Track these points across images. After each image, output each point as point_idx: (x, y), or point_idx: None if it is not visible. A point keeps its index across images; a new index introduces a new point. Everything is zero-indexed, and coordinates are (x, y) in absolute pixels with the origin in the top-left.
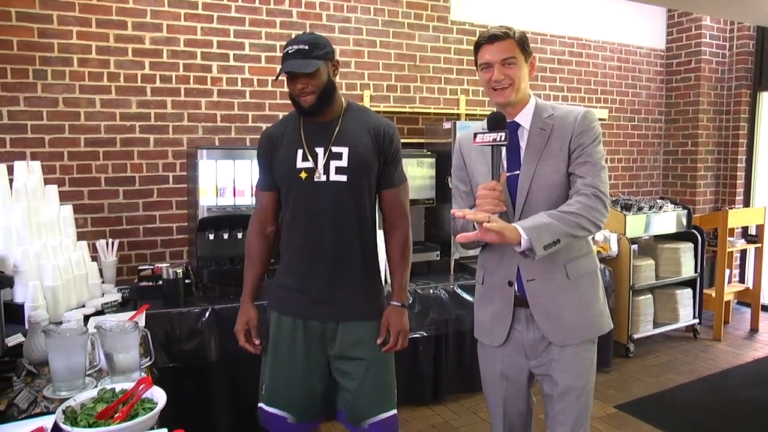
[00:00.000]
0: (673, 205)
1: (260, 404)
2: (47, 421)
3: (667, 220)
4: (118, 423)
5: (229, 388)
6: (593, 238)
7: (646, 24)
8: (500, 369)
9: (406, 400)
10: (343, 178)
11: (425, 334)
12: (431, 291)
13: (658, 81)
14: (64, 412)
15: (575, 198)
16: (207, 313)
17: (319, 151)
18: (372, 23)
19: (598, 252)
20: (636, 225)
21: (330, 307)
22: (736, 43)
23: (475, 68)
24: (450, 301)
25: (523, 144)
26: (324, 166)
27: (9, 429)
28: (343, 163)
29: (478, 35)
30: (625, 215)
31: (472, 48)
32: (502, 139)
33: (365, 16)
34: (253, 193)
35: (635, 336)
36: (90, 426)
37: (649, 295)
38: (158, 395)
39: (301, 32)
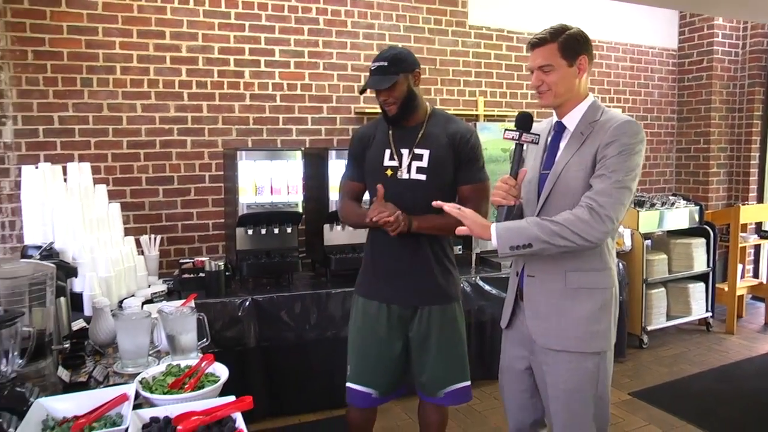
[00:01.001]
0: (685, 202)
1: (347, 384)
2: (129, 389)
3: (680, 216)
4: (189, 392)
5: (265, 373)
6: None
7: (658, 24)
8: (507, 357)
9: None
10: (422, 177)
11: None
12: None
13: (671, 80)
14: (140, 382)
15: (573, 209)
16: (247, 303)
17: (404, 152)
18: (394, 29)
19: None
20: (649, 221)
21: (409, 293)
22: (749, 42)
23: (492, 71)
24: (472, 293)
25: (562, 146)
26: (407, 165)
27: (98, 394)
28: (423, 163)
29: (494, 39)
30: (638, 211)
31: (489, 51)
32: (518, 137)
33: (388, 23)
34: (339, 185)
35: (648, 328)
36: (165, 393)
37: (662, 289)
38: (220, 370)
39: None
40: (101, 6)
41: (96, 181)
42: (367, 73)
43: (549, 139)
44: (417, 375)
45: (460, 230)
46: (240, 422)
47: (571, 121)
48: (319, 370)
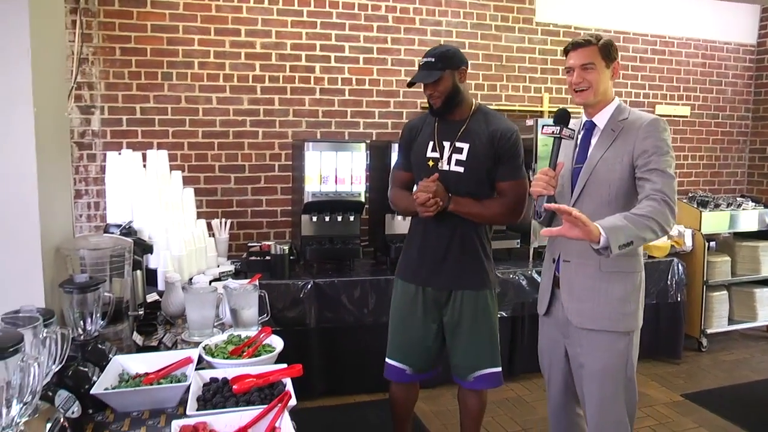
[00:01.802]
0: (753, 203)
1: (386, 358)
2: (193, 353)
3: (749, 218)
4: (247, 358)
5: (324, 353)
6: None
7: (736, 18)
8: (546, 340)
9: None
10: (461, 169)
11: (504, 314)
12: (510, 275)
13: (746, 77)
14: (204, 348)
15: (645, 202)
16: (308, 286)
17: (446, 144)
18: (461, 26)
19: (672, 246)
20: (712, 221)
21: (443, 277)
22: None
23: (557, 67)
24: (528, 285)
25: (594, 142)
26: (448, 157)
27: (166, 356)
28: (462, 156)
29: (561, 35)
30: (700, 211)
31: (556, 48)
32: (557, 132)
33: (455, 20)
34: (390, 174)
35: (708, 331)
36: (225, 359)
37: (724, 292)
38: (276, 341)
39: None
40: (182, 6)
41: (173, 168)
42: None
43: (579, 136)
44: (450, 358)
45: (549, 231)
46: (289, 387)
47: (601, 119)
48: (375, 353)
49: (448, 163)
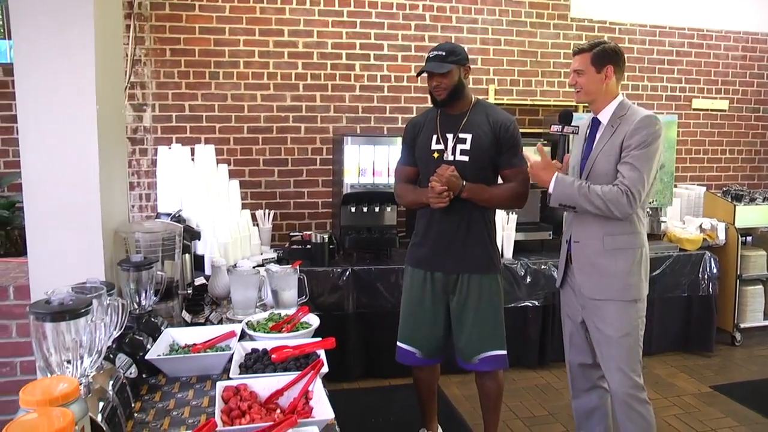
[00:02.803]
0: None
1: (397, 342)
2: (236, 327)
3: None
4: (286, 333)
5: (362, 336)
6: (701, 226)
7: None
8: (566, 310)
9: (514, 362)
10: (465, 158)
11: (536, 303)
12: (542, 266)
13: None
14: (246, 323)
15: (611, 185)
16: (347, 273)
17: (449, 136)
18: (497, 23)
19: (704, 239)
20: (749, 216)
21: (451, 261)
22: None
23: None
24: None
25: (597, 136)
26: (452, 148)
27: (212, 329)
28: (466, 146)
29: (596, 31)
30: (735, 205)
31: None
32: (560, 130)
33: (491, 17)
34: (394, 170)
35: (742, 325)
36: (266, 333)
37: (760, 286)
38: (313, 319)
39: (443, 42)
40: (228, 9)
41: (219, 161)
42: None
43: (587, 132)
44: (455, 342)
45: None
46: (323, 357)
47: (604, 116)
48: None
49: (453, 154)
